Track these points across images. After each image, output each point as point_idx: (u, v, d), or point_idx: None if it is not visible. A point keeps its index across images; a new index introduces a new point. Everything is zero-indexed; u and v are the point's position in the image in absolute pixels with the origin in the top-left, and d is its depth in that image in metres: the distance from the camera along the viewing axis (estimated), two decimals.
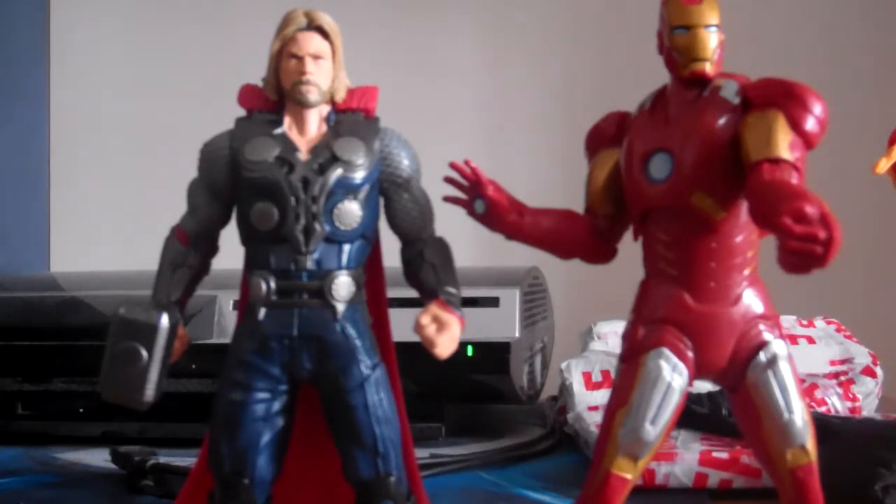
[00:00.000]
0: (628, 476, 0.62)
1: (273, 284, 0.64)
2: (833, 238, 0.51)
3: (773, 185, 0.57)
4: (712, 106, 0.61)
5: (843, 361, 1.13)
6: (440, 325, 0.64)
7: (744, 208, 0.61)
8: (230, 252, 0.69)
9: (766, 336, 0.62)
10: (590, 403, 1.04)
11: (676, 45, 0.62)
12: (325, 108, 0.67)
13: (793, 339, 1.11)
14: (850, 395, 1.05)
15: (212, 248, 0.69)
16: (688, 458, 0.86)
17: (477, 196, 0.68)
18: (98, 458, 1.01)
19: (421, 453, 0.77)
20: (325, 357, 0.64)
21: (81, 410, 1.12)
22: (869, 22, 1.67)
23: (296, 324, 0.64)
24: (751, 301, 0.63)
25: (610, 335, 1.17)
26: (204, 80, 1.65)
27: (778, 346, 0.62)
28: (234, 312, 0.71)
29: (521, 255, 0.82)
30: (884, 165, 0.77)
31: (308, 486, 0.70)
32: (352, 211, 0.65)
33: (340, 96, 0.67)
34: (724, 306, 0.62)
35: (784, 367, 0.62)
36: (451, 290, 0.66)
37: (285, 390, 0.65)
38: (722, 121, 0.61)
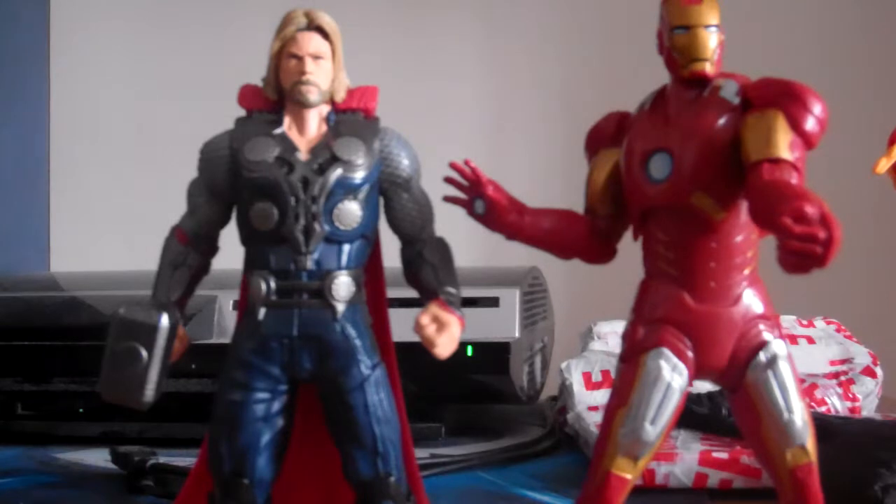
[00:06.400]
0: (628, 476, 0.62)
1: (273, 284, 0.64)
2: (833, 238, 0.51)
3: (773, 185, 0.57)
4: (712, 106, 0.61)
5: (843, 361, 1.13)
6: (440, 325, 0.64)
7: (744, 208, 0.61)
8: (230, 252, 0.69)
9: (766, 336, 0.62)
10: (590, 403, 1.04)
11: (676, 45, 0.62)
12: (325, 108, 0.67)
13: (793, 339, 1.11)
14: (850, 395, 1.05)
15: (212, 248, 0.69)
16: (688, 458, 0.86)
17: (477, 196, 0.68)
18: (98, 458, 1.01)
19: (421, 453, 0.77)
20: (324, 357, 0.64)
21: (81, 410, 1.12)
22: (868, 22, 1.67)
23: (296, 324, 0.64)
24: (751, 301, 0.63)
25: (610, 335, 1.17)
26: (204, 80, 1.65)
27: (778, 346, 0.62)
28: (234, 312, 0.71)
29: (521, 255, 0.82)
30: (884, 165, 0.77)
31: (308, 486, 0.70)
32: (352, 211, 0.65)
33: (340, 96, 0.67)
34: (723, 306, 0.62)
35: (784, 367, 0.62)
36: (451, 290, 0.66)
37: (285, 390, 0.65)
38: (722, 121, 0.61)
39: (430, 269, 0.67)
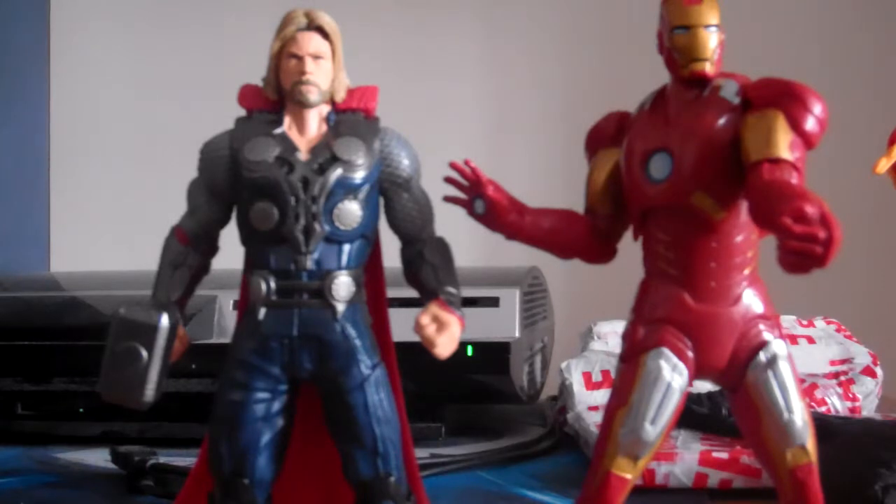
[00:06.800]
0: (628, 476, 0.62)
1: (273, 284, 0.64)
2: (833, 238, 0.51)
3: (773, 185, 0.57)
4: (712, 106, 0.61)
5: (843, 361, 1.13)
6: (440, 325, 0.64)
7: (744, 208, 0.61)
8: (230, 252, 0.69)
9: (766, 336, 0.62)
10: (590, 403, 1.04)
11: (676, 45, 0.62)
12: (325, 108, 0.67)
13: (793, 339, 1.11)
14: (850, 395, 1.06)
15: (212, 248, 0.69)
16: (688, 458, 0.86)
17: (477, 196, 0.68)
18: (98, 458, 1.01)
19: (421, 453, 0.77)
20: (324, 357, 0.64)
21: (81, 410, 1.12)
22: (869, 22, 1.67)
23: (296, 324, 0.64)
24: (751, 301, 0.63)
25: (610, 335, 1.17)
26: (204, 80, 1.65)
27: (778, 346, 0.62)
28: (234, 312, 0.71)
29: (521, 255, 0.82)
30: (884, 165, 0.77)
31: (308, 486, 0.70)
32: (352, 211, 0.65)
33: (340, 96, 0.67)
34: (724, 306, 0.62)
35: (784, 367, 0.62)
36: (451, 290, 0.66)
37: (285, 390, 0.65)
38: (722, 121, 0.61)
39: (430, 269, 0.67)
